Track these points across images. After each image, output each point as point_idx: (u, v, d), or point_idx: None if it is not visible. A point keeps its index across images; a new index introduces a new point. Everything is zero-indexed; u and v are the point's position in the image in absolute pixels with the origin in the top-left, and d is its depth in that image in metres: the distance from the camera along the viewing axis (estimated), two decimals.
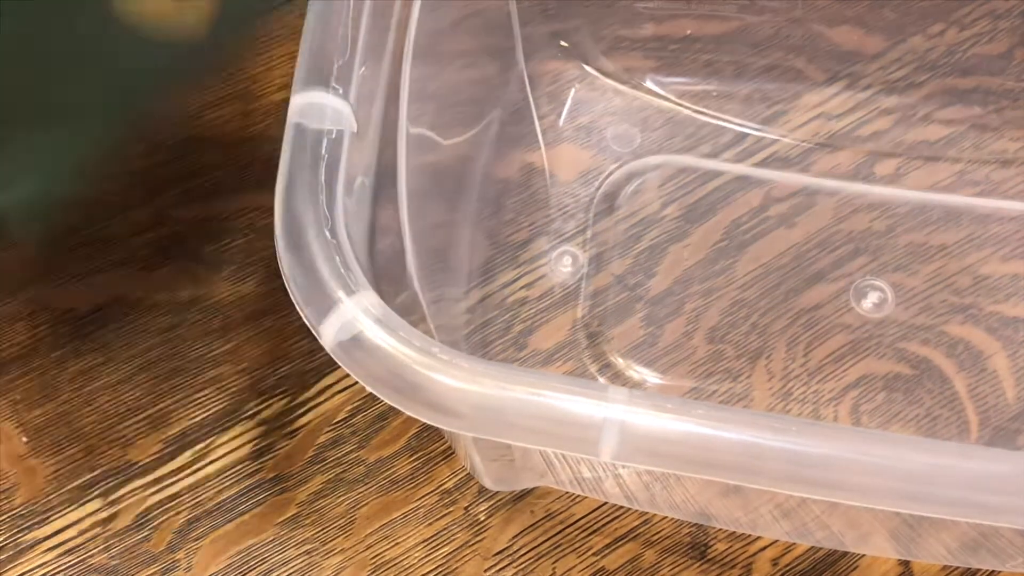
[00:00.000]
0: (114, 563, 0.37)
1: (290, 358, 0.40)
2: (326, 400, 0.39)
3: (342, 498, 0.38)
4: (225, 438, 0.39)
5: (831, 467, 0.24)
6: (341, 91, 0.27)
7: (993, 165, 0.43)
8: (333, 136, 0.27)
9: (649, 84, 0.45)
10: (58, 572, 0.37)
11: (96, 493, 0.38)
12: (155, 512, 0.38)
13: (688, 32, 0.44)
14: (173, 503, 0.38)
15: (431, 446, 0.39)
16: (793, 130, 0.44)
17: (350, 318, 0.24)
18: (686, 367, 0.40)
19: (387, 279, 0.28)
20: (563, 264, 0.41)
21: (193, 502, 0.38)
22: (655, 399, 0.24)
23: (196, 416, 0.39)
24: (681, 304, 0.41)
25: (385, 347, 0.24)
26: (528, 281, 0.41)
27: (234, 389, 0.39)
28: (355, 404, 0.39)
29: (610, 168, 0.43)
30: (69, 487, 0.38)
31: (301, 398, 0.39)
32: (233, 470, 0.38)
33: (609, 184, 0.43)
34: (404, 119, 0.31)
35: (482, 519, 0.38)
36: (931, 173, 0.43)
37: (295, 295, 0.25)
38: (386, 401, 0.24)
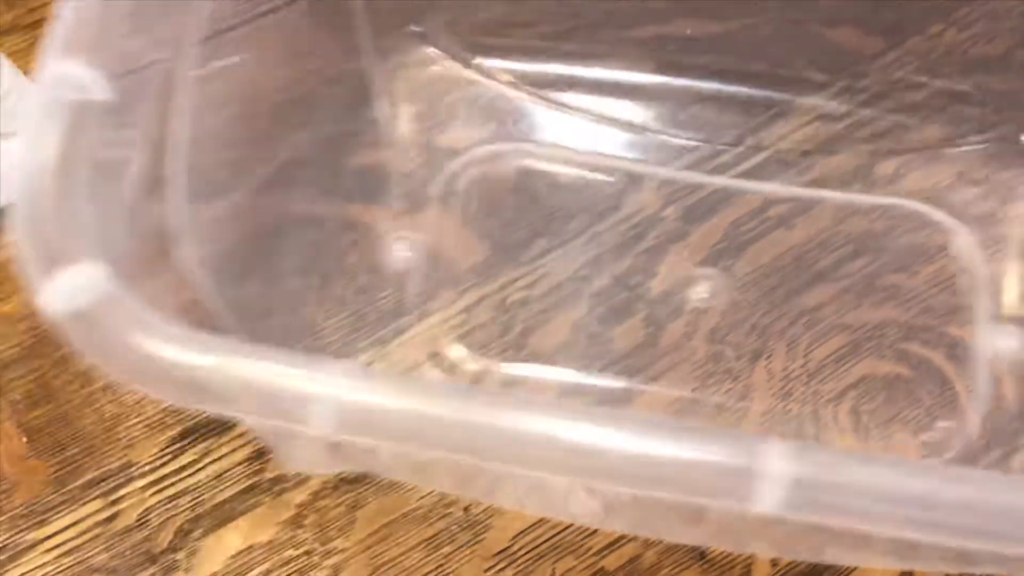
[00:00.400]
0: (114, 563, 0.37)
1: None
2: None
3: (342, 498, 0.38)
4: (225, 438, 0.39)
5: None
6: (100, 62, 0.26)
7: (993, 166, 0.43)
8: (86, 108, 0.25)
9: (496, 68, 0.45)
10: (58, 572, 0.37)
11: (96, 493, 0.38)
12: (155, 512, 0.38)
13: (688, 32, 0.44)
14: (173, 503, 0.38)
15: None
16: (795, 130, 0.44)
17: (68, 286, 0.23)
18: (686, 367, 0.40)
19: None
20: (397, 249, 0.41)
21: (193, 502, 0.38)
22: (369, 375, 0.24)
23: (196, 416, 0.39)
24: (681, 304, 0.41)
25: (99, 316, 0.23)
26: (365, 262, 0.41)
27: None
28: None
29: (452, 157, 0.43)
30: (69, 487, 0.38)
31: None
32: (233, 470, 0.38)
33: (454, 173, 0.43)
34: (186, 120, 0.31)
35: (482, 519, 0.38)
36: (931, 174, 0.43)
37: (20, 261, 0.24)
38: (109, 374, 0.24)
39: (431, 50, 0.45)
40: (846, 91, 0.44)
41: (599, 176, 0.43)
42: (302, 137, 0.41)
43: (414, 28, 0.44)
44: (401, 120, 0.44)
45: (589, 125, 0.44)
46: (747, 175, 0.43)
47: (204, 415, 0.39)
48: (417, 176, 0.43)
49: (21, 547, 0.37)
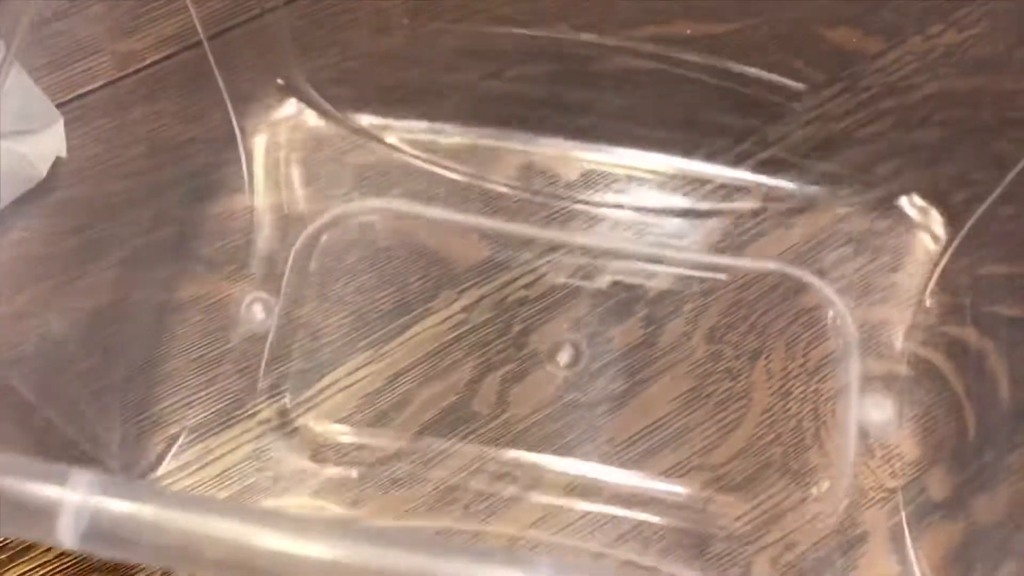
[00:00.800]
0: (114, 563, 0.37)
1: (290, 357, 0.40)
2: (326, 400, 0.40)
3: (341, 498, 0.38)
4: (225, 438, 0.39)
5: None
6: None
7: (992, 166, 0.43)
8: None
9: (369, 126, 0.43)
10: (58, 572, 0.37)
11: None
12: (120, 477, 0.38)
13: (688, 32, 0.44)
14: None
15: (431, 446, 0.39)
16: (795, 130, 0.44)
17: None
18: (685, 367, 0.40)
19: None
20: (255, 312, 0.41)
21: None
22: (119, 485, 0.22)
23: (197, 416, 0.39)
24: (681, 304, 0.41)
25: None
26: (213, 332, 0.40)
27: (234, 389, 0.40)
28: (355, 403, 0.39)
29: (316, 214, 0.42)
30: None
31: (301, 397, 0.40)
32: (233, 470, 0.38)
33: (313, 230, 0.42)
34: None
35: (483, 518, 0.38)
36: (930, 174, 0.43)
37: None
38: None
39: (295, 103, 0.44)
40: (846, 91, 0.44)
41: (472, 238, 0.42)
42: (159, 201, 0.41)
43: (279, 81, 0.43)
44: (262, 179, 0.43)
45: (460, 182, 0.43)
46: (746, 176, 0.43)
47: (204, 415, 0.39)
48: (277, 237, 0.42)
49: (21, 546, 0.37)
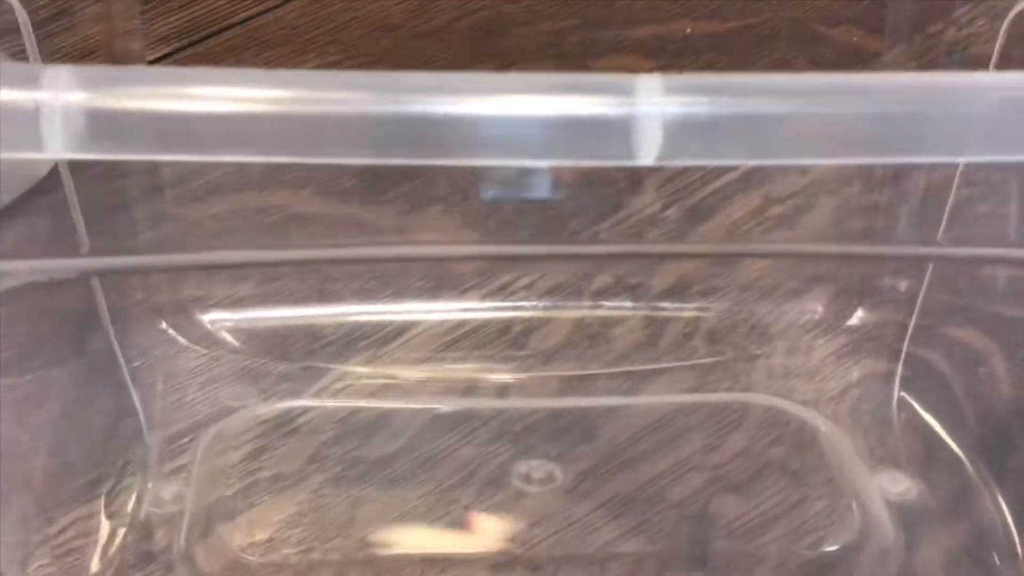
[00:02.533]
0: (114, 563, 0.37)
1: (290, 357, 0.40)
2: (326, 399, 0.40)
3: (342, 498, 0.38)
4: (224, 439, 0.39)
5: None
6: None
7: (991, 166, 0.43)
8: None
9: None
10: (59, 571, 0.37)
11: (97, 493, 0.38)
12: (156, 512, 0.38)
13: (687, 32, 0.44)
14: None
15: (431, 446, 0.39)
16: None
17: None
18: (685, 367, 0.40)
19: None
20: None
21: None
22: None
23: (197, 416, 0.39)
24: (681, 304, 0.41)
25: None
26: None
27: (234, 389, 0.40)
28: (355, 403, 0.39)
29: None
30: (70, 487, 0.38)
31: (301, 397, 0.40)
32: (233, 469, 0.38)
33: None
34: None
35: (482, 519, 0.38)
36: (929, 174, 0.43)
37: None
38: None
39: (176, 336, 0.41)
40: None
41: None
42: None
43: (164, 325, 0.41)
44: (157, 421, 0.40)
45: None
46: (747, 175, 0.43)
47: (204, 414, 0.39)
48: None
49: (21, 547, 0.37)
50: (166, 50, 0.42)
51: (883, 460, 0.38)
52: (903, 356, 0.40)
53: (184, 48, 0.42)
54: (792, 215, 0.42)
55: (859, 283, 0.41)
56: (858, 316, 0.41)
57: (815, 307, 0.41)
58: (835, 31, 0.44)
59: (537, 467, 0.38)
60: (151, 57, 0.41)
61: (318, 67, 0.43)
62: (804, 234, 0.42)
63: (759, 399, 0.39)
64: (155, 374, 0.40)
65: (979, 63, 0.43)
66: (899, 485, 0.37)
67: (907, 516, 0.36)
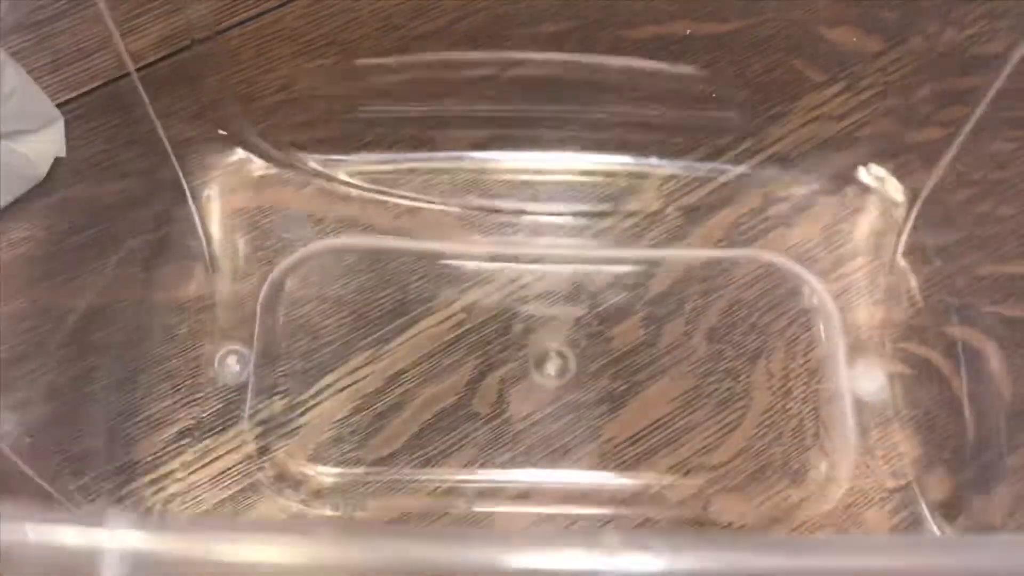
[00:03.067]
0: None
1: (290, 357, 0.40)
2: (326, 399, 0.40)
3: (342, 498, 0.38)
4: (225, 438, 0.39)
5: None
6: None
7: (991, 166, 0.43)
8: None
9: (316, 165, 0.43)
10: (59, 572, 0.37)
11: (97, 493, 0.38)
12: (155, 512, 0.38)
13: (688, 32, 0.44)
14: (174, 503, 0.38)
15: (430, 445, 0.39)
16: (794, 130, 0.44)
17: None
18: (685, 367, 0.40)
19: None
20: (229, 366, 0.40)
21: (194, 502, 0.38)
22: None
23: (197, 415, 0.39)
24: (681, 304, 0.41)
25: None
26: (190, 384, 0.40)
27: (234, 389, 0.40)
28: (355, 403, 0.39)
29: (277, 259, 0.42)
30: (70, 487, 0.38)
31: (301, 397, 0.40)
32: (233, 469, 0.38)
33: (277, 275, 0.41)
34: None
35: (481, 519, 0.38)
36: (929, 174, 0.43)
37: None
38: None
39: (240, 152, 0.43)
40: (846, 91, 0.44)
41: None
42: (113, 262, 0.40)
43: (221, 132, 0.42)
44: (216, 228, 0.42)
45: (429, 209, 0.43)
46: (746, 176, 0.43)
47: (204, 414, 0.39)
48: (241, 285, 0.41)
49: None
50: (166, 51, 0.42)
51: None
52: None
53: (184, 49, 0.42)
54: None
55: None
56: None
57: None
58: (835, 32, 0.44)
59: None
60: (151, 58, 0.41)
61: (318, 68, 0.43)
62: None
63: None
64: None
65: (979, 63, 0.43)
66: None
67: None
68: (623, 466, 0.39)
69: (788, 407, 0.39)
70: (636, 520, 0.38)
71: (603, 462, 0.39)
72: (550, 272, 0.42)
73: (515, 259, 0.42)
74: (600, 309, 0.41)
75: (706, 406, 0.39)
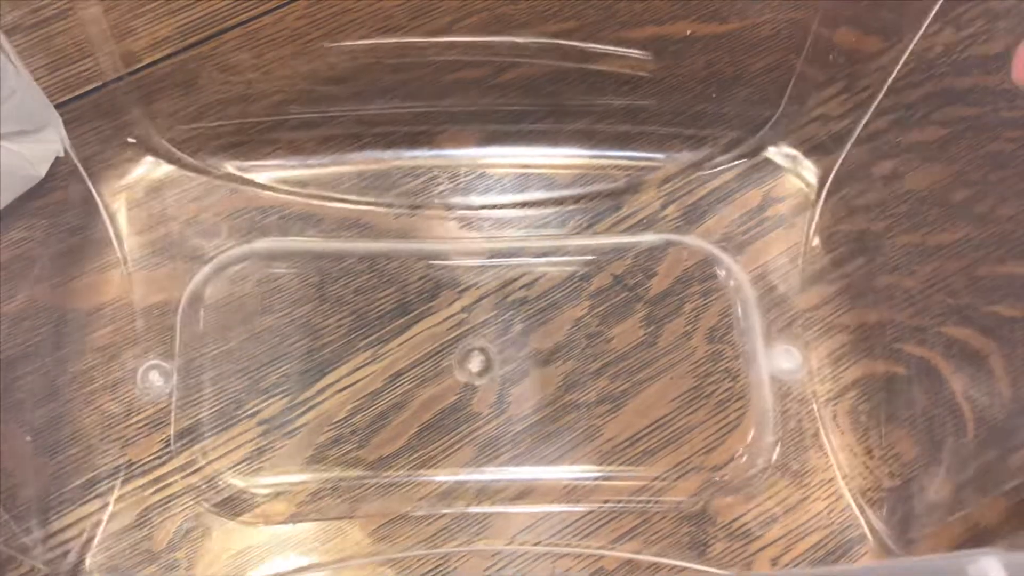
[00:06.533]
0: (114, 563, 0.37)
1: (290, 357, 0.40)
2: (326, 399, 0.40)
3: (342, 498, 0.38)
4: (225, 437, 0.39)
5: None
6: None
7: (990, 166, 0.43)
8: None
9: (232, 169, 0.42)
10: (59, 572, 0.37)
11: (97, 492, 0.38)
12: (155, 511, 0.38)
13: (688, 32, 0.44)
14: (173, 502, 0.38)
15: (430, 445, 0.39)
16: (794, 130, 0.44)
17: None
18: (685, 367, 0.40)
19: None
20: (152, 381, 0.40)
21: (193, 501, 0.38)
22: None
23: (196, 415, 0.39)
24: (681, 304, 0.41)
25: None
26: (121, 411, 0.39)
27: (234, 389, 0.40)
28: (355, 403, 0.39)
29: (197, 267, 0.41)
30: (70, 487, 0.38)
31: (301, 398, 0.40)
32: (233, 469, 0.38)
33: (196, 284, 0.41)
34: None
35: (481, 519, 0.38)
36: (928, 174, 0.43)
37: None
38: None
39: (151, 160, 0.42)
40: (845, 91, 0.44)
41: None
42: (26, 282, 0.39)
43: (130, 140, 0.42)
44: (131, 239, 0.42)
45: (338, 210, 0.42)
46: (746, 176, 0.43)
47: (204, 414, 0.39)
48: (159, 295, 0.41)
49: (23, 546, 0.37)
50: (166, 51, 0.42)
51: None
52: None
53: (184, 49, 0.42)
54: None
55: None
56: None
57: None
58: (835, 32, 0.44)
59: None
60: (151, 58, 0.41)
61: (318, 69, 0.43)
62: None
63: None
64: None
65: (979, 63, 0.43)
66: None
67: None
68: (623, 466, 0.39)
69: (787, 407, 0.39)
70: (635, 520, 0.38)
71: (603, 462, 0.39)
72: (549, 272, 0.42)
73: (513, 255, 0.42)
74: (600, 309, 0.41)
75: (706, 406, 0.39)
